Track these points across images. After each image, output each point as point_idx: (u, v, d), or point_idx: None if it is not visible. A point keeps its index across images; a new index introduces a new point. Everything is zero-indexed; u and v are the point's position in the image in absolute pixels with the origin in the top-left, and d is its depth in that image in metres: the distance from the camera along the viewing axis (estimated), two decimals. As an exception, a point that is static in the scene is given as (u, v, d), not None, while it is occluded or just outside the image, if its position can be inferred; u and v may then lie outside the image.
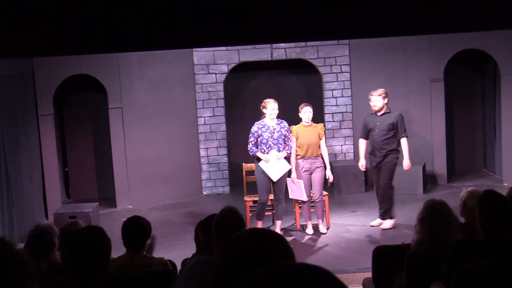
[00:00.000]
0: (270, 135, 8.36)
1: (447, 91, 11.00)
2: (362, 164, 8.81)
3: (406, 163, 8.66)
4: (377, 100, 8.57)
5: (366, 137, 8.79)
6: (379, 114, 8.62)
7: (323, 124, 8.94)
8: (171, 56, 10.69)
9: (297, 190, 8.51)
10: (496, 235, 3.95)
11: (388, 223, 8.73)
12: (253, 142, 8.41)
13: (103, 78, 10.43)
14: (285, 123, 8.47)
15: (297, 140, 8.48)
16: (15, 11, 4.53)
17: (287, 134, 8.44)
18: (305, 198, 8.48)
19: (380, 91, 8.64)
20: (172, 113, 10.83)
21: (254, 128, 8.43)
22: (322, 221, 8.73)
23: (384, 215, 8.75)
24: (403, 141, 8.58)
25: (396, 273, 4.57)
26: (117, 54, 10.14)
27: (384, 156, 8.56)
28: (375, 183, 8.83)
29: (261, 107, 8.46)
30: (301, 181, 8.45)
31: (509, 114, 10.51)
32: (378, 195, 8.78)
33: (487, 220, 3.98)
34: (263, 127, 8.39)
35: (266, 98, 8.56)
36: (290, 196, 8.70)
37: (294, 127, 8.54)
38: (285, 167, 8.40)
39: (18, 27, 4.58)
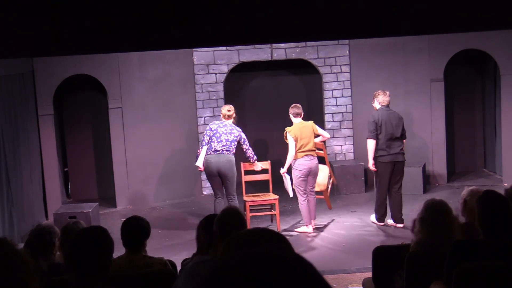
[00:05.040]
0: (226, 134, 8.52)
1: (447, 91, 11.00)
2: (373, 163, 8.48)
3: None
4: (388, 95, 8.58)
5: (376, 136, 8.45)
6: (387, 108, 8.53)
7: (312, 121, 8.79)
8: (171, 56, 10.68)
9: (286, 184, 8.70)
10: (496, 235, 3.95)
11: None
12: (206, 141, 8.57)
13: (103, 78, 10.42)
14: (239, 131, 8.62)
15: (296, 141, 8.42)
16: (15, 11, 4.53)
17: (239, 139, 8.60)
18: (291, 195, 8.67)
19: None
20: (172, 113, 10.82)
21: (213, 126, 8.61)
22: (312, 220, 8.64)
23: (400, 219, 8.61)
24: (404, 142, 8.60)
25: (396, 273, 4.58)
26: (117, 54, 10.13)
27: (401, 150, 8.46)
28: (386, 181, 8.43)
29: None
30: (288, 177, 8.55)
31: (509, 114, 10.51)
32: (390, 198, 8.54)
33: (487, 220, 3.98)
34: (221, 123, 8.59)
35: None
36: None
37: (290, 129, 8.47)
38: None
39: (18, 27, 4.58)
